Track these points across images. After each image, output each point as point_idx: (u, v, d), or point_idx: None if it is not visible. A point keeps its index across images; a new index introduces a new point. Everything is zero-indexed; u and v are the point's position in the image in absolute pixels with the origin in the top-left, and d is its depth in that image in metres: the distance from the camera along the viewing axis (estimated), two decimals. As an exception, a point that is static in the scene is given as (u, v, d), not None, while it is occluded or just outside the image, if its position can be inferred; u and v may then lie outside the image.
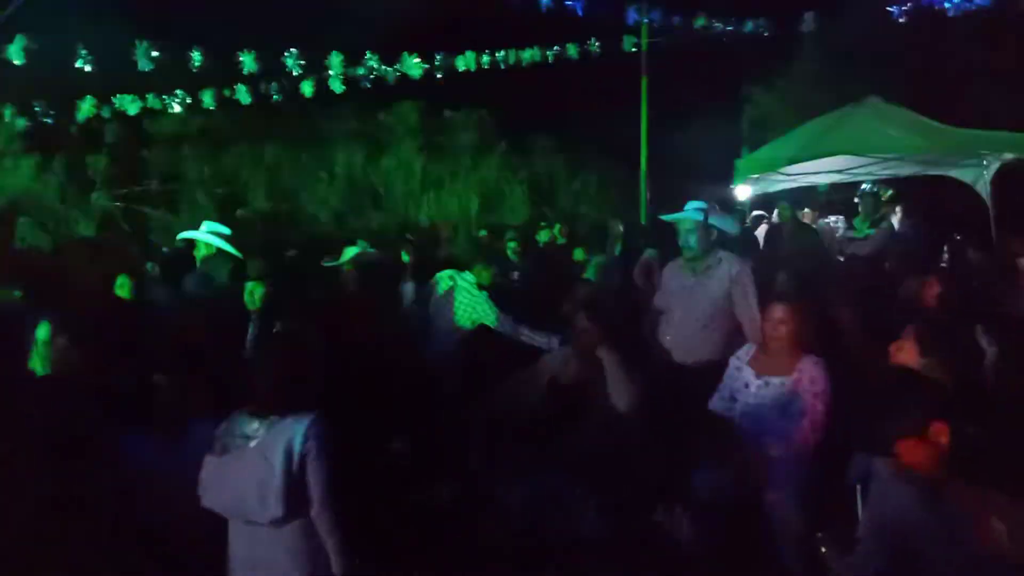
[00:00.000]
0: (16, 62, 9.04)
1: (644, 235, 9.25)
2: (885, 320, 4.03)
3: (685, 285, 4.85)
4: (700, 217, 4.85)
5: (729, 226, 5.21)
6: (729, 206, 10.43)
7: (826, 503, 2.91)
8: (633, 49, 12.76)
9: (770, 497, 3.46)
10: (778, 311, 3.93)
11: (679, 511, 2.96)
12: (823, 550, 2.52)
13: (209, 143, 13.54)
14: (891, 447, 2.29)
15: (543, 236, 9.58)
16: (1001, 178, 9.09)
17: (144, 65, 9.45)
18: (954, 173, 9.60)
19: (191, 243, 6.37)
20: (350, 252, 6.07)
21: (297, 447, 2.76)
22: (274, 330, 4.42)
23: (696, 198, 5.17)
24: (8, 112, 11.14)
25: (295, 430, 2.78)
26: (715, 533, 3.18)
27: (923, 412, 2.29)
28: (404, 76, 11.46)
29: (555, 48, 12.31)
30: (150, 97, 11.00)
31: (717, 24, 12.41)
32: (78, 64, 9.45)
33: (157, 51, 9.46)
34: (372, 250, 6.36)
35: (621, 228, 9.58)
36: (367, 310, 5.31)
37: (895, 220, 9.45)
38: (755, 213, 11.14)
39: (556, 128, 16.38)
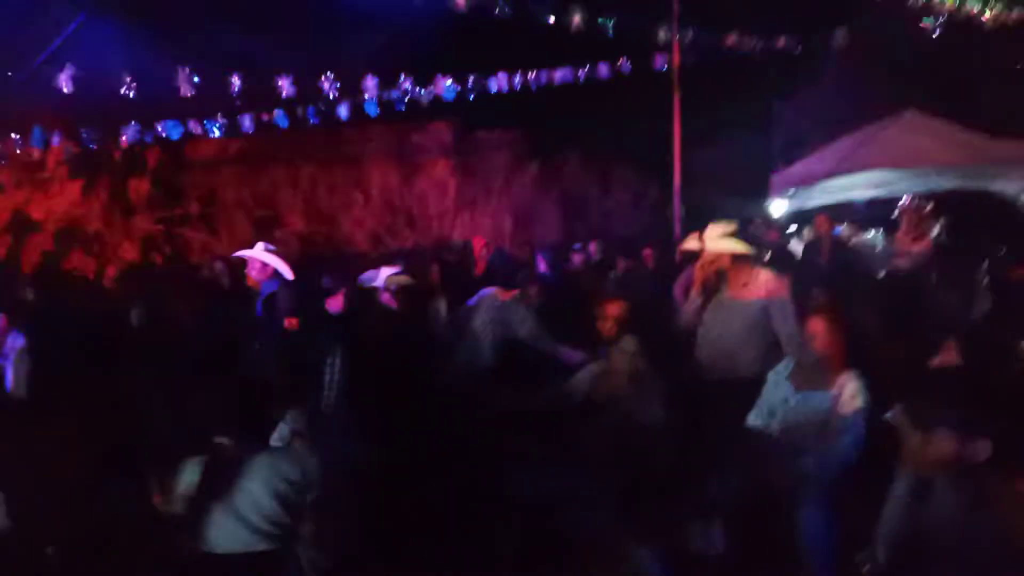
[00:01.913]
0: (64, 90, 9.34)
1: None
2: (925, 335, 3.98)
3: (722, 300, 4.83)
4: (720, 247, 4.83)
5: (764, 243, 5.20)
6: (767, 222, 10.37)
7: (865, 521, 2.86)
8: (664, 67, 12.79)
9: (806, 513, 3.41)
10: (816, 325, 3.90)
11: (712, 523, 2.94)
12: (864, 569, 2.49)
13: (247, 166, 13.78)
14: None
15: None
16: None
17: (185, 90, 9.70)
18: (995, 187, 9.46)
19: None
20: (383, 275, 6.14)
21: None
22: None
23: (731, 214, 5.16)
24: (55, 138, 11.47)
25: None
26: (746, 547, 3.16)
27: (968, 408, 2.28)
28: (437, 97, 11.62)
29: (586, 67, 12.39)
30: (191, 122, 11.27)
31: (748, 40, 12.39)
32: (122, 91, 9.73)
33: (197, 76, 9.71)
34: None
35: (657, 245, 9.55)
36: (399, 329, 5.41)
37: (935, 235, 9.30)
38: (788, 229, 11.05)
39: (588, 146, 16.42)
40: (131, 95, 9.77)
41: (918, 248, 8.19)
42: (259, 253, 6.30)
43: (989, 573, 2.19)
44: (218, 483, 2.81)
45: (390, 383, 3.99)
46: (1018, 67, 13.25)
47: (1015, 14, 11.42)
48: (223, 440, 2.90)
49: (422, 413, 3.82)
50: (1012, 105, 12.07)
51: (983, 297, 5.81)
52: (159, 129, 11.22)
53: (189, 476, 2.87)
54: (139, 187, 13.02)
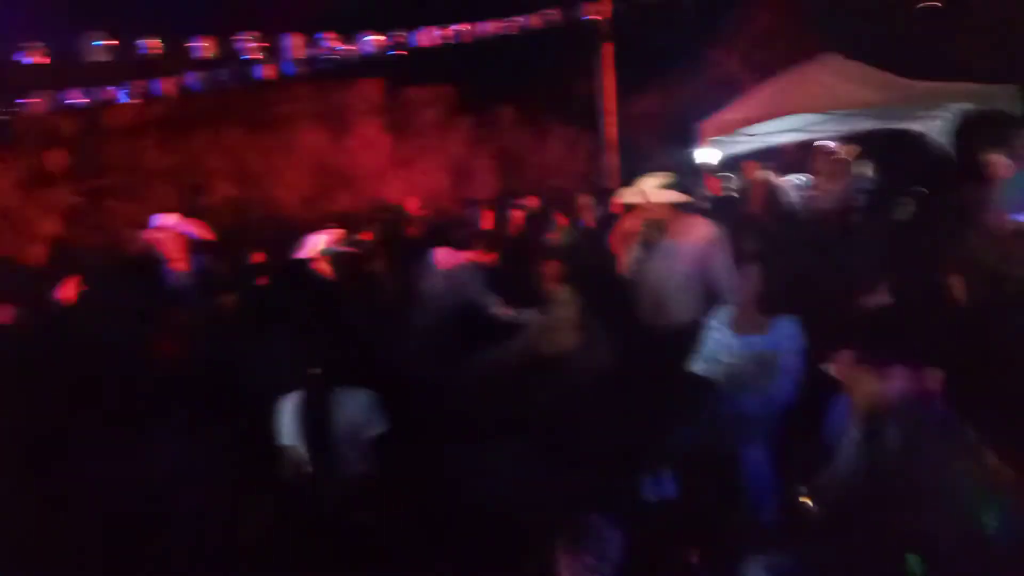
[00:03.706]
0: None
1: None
2: (857, 272, 4.13)
3: (660, 249, 4.91)
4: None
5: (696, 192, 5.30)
6: (698, 170, 10.51)
7: (804, 457, 3.00)
8: (596, 16, 12.72)
9: (749, 454, 3.55)
10: (751, 271, 4.01)
11: (662, 470, 3.04)
12: (803, 500, 2.62)
13: (170, 132, 13.26)
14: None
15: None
16: (963, 129, 9.26)
17: (96, 55, 9.24)
18: (914, 126, 9.76)
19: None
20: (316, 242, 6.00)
21: None
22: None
23: (662, 163, 5.24)
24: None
25: None
26: (696, 490, 3.27)
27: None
28: (364, 54, 11.34)
29: (515, 18, 12.25)
30: (106, 87, 10.76)
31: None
32: (30, 56, 9.23)
33: (108, 41, 9.25)
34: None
35: (591, 199, 9.60)
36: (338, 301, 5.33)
37: (859, 175, 9.59)
38: (722, 175, 11.23)
39: (521, 100, 16.30)
40: (40, 61, 9.26)
41: (835, 187, 8.44)
42: (172, 224, 6.10)
43: (937, 508, 2.32)
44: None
45: (336, 357, 3.95)
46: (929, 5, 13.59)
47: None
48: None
49: (376, 385, 3.80)
50: (929, 45, 12.42)
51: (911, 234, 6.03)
52: (74, 96, 10.69)
53: None
54: (56, 157, 12.42)
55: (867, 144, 10.83)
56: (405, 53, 11.58)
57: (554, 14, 12.51)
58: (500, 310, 5.67)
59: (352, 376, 3.72)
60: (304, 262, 6.00)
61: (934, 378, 2.40)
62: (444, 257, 6.04)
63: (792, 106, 9.12)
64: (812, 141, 10.70)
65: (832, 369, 2.72)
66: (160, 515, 3.31)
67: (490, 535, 3.11)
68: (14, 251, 10.19)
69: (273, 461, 3.62)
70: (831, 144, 10.31)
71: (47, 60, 9.38)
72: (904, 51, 11.44)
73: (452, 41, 11.99)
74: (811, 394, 3.55)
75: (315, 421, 3.55)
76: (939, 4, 12.93)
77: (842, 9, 13.07)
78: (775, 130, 9.95)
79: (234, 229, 11.73)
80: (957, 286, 3.62)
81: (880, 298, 4.10)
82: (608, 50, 12.48)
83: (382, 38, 11.32)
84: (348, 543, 3.25)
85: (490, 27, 12.18)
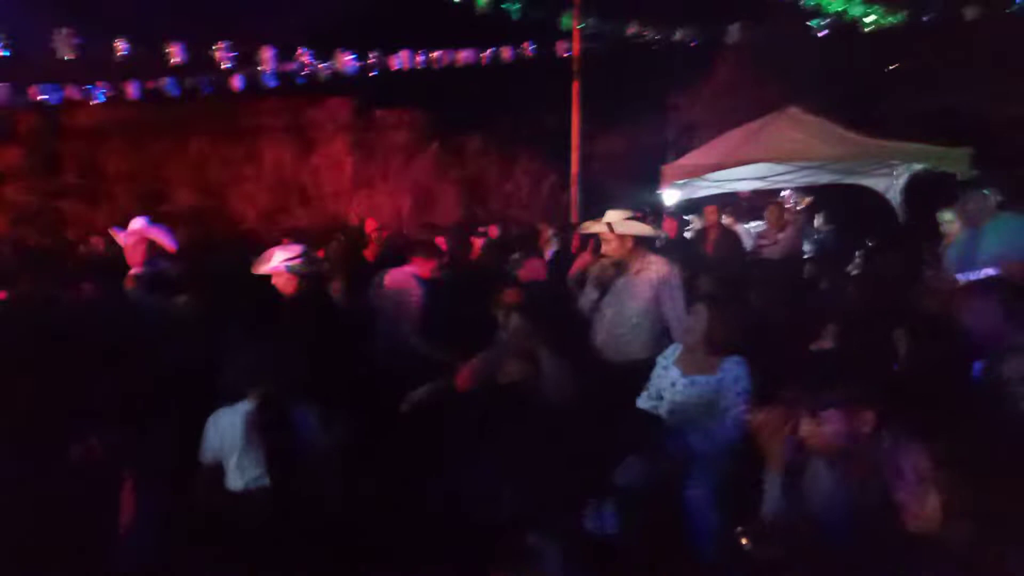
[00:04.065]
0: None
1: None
2: (805, 319, 4.23)
3: (616, 286, 4.99)
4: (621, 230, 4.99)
5: (654, 230, 5.39)
6: (658, 211, 10.71)
7: (746, 498, 3.04)
8: (566, 54, 12.95)
9: (691, 492, 3.59)
10: (702, 312, 4.08)
11: (604, 504, 3.06)
12: (743, 542, 2.65)
13: (132, 136, 13.10)
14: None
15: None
16: (910, 187, 9.61)
17: (65, 53, 9.11)
18: (867, 182, 10.10)
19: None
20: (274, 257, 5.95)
21: None
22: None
23: (624, 202, 5.33)
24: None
25: None
26: (638, 527, 3.29)
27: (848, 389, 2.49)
28: (336, 72, 11.35)
29: (489, 50, 12.40)
30: (71, 87, 10.60)
31: (647, 32, 12.71)
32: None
33: (80, 39, 9.13)
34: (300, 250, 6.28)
35: (552, 231, 9.72)
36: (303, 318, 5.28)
37: (811, 226, 9.87)
38: (683, 218, 11.45)
39: (489, 130, 16.45)
40: (5, 53, 9.09)
41: (782, 236, 8.70)
42: (140, 228, 6.02)
43: (868, 545, 2.38)
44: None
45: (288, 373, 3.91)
46: (892, 68, 14.11)
47: (891, 21, 12.20)
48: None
49: (334, 403, 3.77)
50: (889, 104, 12.88)
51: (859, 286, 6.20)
52: (34, 93, 10.49)
53: None
54: (9, 155, 12.17)
55: (822, 196, 11.17)
56: (376, 74, 11.61)
57: (528, 48, 12.69)
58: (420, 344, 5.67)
59: (304, 392, 3.68)
60: (261, 277, 5.94)
61: (866, 419, 2.49)
62: (394, 279, 6.04)
63: (753, 155, 9.36)
64: (769, 190, 11.05)
65: (752, 418, 2.81)
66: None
67: (434, 554, 3.09)
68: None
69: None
70: (787, 194, 10.63)
71: (13, 52, 9.18)
72: (862, 109, 11.86)
73: (425, 66, 12.07)
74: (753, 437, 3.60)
75: (274, 436, 3.49)
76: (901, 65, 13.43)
77: (805, 66, 13.50)
78: (735, 177, 10.21)
79: (194, 237, 11.61)
80: (900, 338, 3.72)
81: (825, 345, 4.20)
82: (577, 87, 12.67)
83: (355, 58, 11.34)
84: (296, 559, 3.20)
85: (464, 56, 12.30)
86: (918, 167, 9.38)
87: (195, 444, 3.61)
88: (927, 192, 9.21)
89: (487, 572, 2.38)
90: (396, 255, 7.23)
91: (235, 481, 3.52)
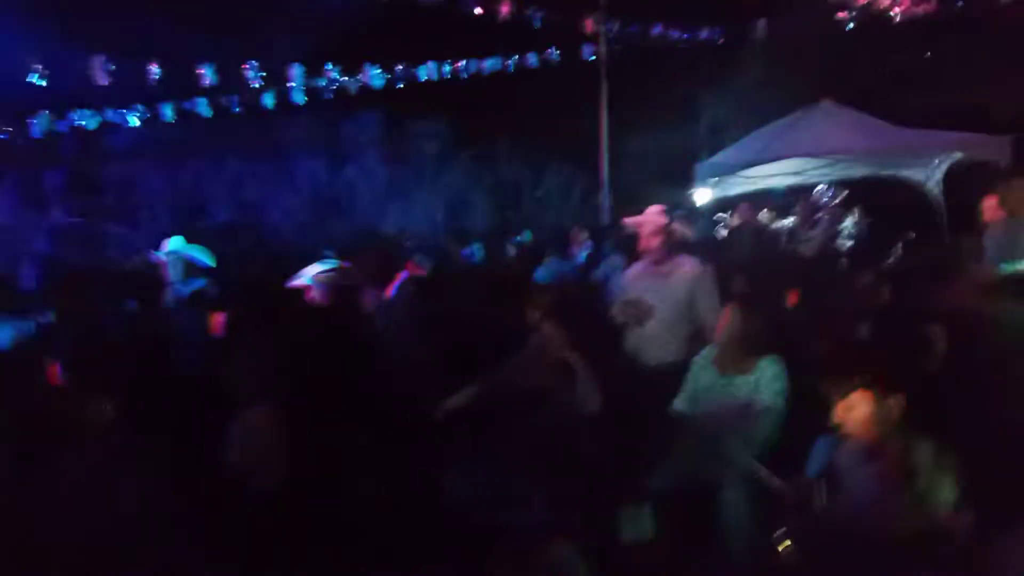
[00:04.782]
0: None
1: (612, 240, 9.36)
2: (839, 315, 4.16)
3: (649, 288, 4.94)
4: (662, 220, 4.97)
5: (688, 230, 5.35)
6: (692, 211, 10.62)
7: (785, 500, 3.00)
8: (592, 57, 12.93)
9: (727, 495, 3.55)
10: (736, 312, 4.03)
11: (639, 508, 3.04)
12: (782, 546, 2.61)
13: (168, 156, 13.37)
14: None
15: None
16: (949, 178, 9.39)
17: (101, 79, 9.35)
18: (905, 174, 9.89)
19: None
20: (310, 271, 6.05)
21: None
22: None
23: (657, 203, 5.29)
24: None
25: None
26: (673, 530, 3.26)
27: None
28: (366, 86, 11.49)
29: (515, 57, 12.44)
30: (109, 111, 10.87)
31: (673, 32, 12.65)
32: (33, 79, 9.33)
33: (115, 64, 9.37)
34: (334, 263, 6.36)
35: (585, 234, 9.68)
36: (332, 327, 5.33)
37: (848, 221, 9.71)
38: (715, 216, 11.34)
39: (519, 136, 16.48)
40: (43, 83, 9.36)
41: (815, 232, 8.58)
42: (182, 248, 6.17)
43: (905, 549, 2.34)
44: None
45: (322, 385, 3.94)
46: (925, 58, 13.84)
47: (921, 10, 11.99)
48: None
49: (357, 414, 3.80)
50: (921, 95, 12.63)
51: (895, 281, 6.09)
52: (74, 118, 10.78)
53: None
54: (52, 178, 12.49)
55: (858, 190, 10.98)
56: (404, 86, 11.72)
57: (554, 53, 12.70)
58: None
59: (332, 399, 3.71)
60: (298, 290, 6.03)
61: (895, 405, 2.47)
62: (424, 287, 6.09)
63: (786, 151, 9.24)
64: (805, 185, 10.89)
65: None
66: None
67: (465, 562, 3.09)
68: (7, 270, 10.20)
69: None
70: (822, 188, 10.46)
71: (51, 81, 9.45)
72: (897, 99, 11.64)
73: (452, 76, 12.15)
74: (792, 435, 3.55)
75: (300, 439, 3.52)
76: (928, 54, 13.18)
77: (835, 59, 13.31)
78: (769, 173, 10.08)
79: (230, 254, 11.79)
80: (937, 334, 3.64)
81: (862, 341, 4.13)
82: (606, 90, 12.64)
83: (383, 71, 11.46)
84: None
85: (491, 63, 12.35)
86: (957, 157, 9.17)
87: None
88: (966, 183, 9.01)
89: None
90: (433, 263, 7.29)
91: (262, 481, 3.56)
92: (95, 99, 10.67)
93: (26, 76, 9.35)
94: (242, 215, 13.95)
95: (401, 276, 6.23)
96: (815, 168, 10.05)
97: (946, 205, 9.30)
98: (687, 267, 4.90)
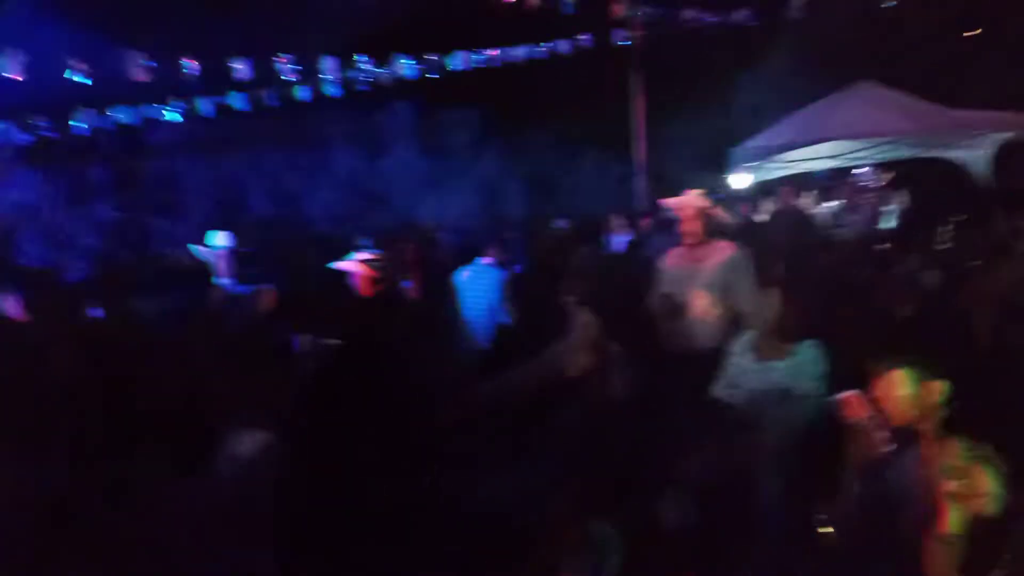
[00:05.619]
0: (10, 75, 9.11)
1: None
2: (881, 299, 4.08)
3: (686, 273, 4.90)
4: (700, 203, 4.92)
5: (726, 215, 5.28)
6: (730, 195, 10.49)
7: (826, 486, 2.95)
8: (625, 43, 12.81)
9: (767, 481, 3.50)
10: (775, 297, 3.97)
11: (681, 495, 3.01)
12: (823, 530, 2.58)
13: (207, 150, 13.58)
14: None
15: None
16: (997, 158, 9.14)
17: (138, 75, 9.52)
18: (951, 155, 9.64)
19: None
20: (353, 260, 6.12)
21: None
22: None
23: (694, 187, 5.24)
24: (5, 126, 11.21)
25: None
26: (715, 517, 3.23)
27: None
28: (399, 77, 11.53)
29: (548, 43, 12.39)
30: (146, 107, 11.08)
31: (705, 14, 12.48)
32: (73, 76, 9.53)
33: (153, 60, 9.53)
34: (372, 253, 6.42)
35: (622, 220, 9.62)
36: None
37: (892, 204, 9.51)
38: (754, 200, 11.18)
39: (553, 124, 16.42)
40: (84, 81, 9.56)
41: (857, 216, 8.42)
42: (225, 240, 6.28)
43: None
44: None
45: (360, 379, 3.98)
46: (967, 36, 13.45)
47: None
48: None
49: (399, 409, 3.82)
50: (963, 75, 12.28)
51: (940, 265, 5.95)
52: (115, 115, 11.00)
53: None
54: (95, 174, 12.76)
55: (902, 172, 10.73)
56: (438, 76, 11.74)
57: (586, 39, 12.60)
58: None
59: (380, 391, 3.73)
60: (341, 274, 6.11)
61: (934, 389, 2.40)
62: (471, 275, 6.11)
63: (828, 133, 9.08)
64: (847, 168, 10.67)
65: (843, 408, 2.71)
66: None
67: (501, 556, 3.09)
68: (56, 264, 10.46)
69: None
70: (864, 171, 10.24)
71: (92, 79, 9.65)
72: (943, 79, 11.34)
73: (486, 65, 12.13)
74: (833, 421, 3.49)
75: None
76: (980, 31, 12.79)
77: (880, 37, 13.00)
78: (810, 156, 9.91)
79: (272, 245, 11.94)
80: (982, 318, 3.55)
81: (907, 326, 4.04)
82: (640, 75, 12.51)
83: (415, 61, 11.50)
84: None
85: (523, 51, 12.31)
86: (1005, 137, 8.92)
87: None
88: (1015, 163, 8.76)
89: (557, 564, 2.37)
90: (468, 252, 7.30)
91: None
92: (134, 95, 10.87)
93: (65, 73, 9.54)
94: (281, 208, 14.13)
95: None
96: (856, 151, 9.84)
97: (995, 186, 9.06)
98: (725, 252, 4.85)
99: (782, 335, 3.91)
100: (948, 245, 7.70)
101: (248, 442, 3.32)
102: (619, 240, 9.03)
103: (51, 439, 3.39)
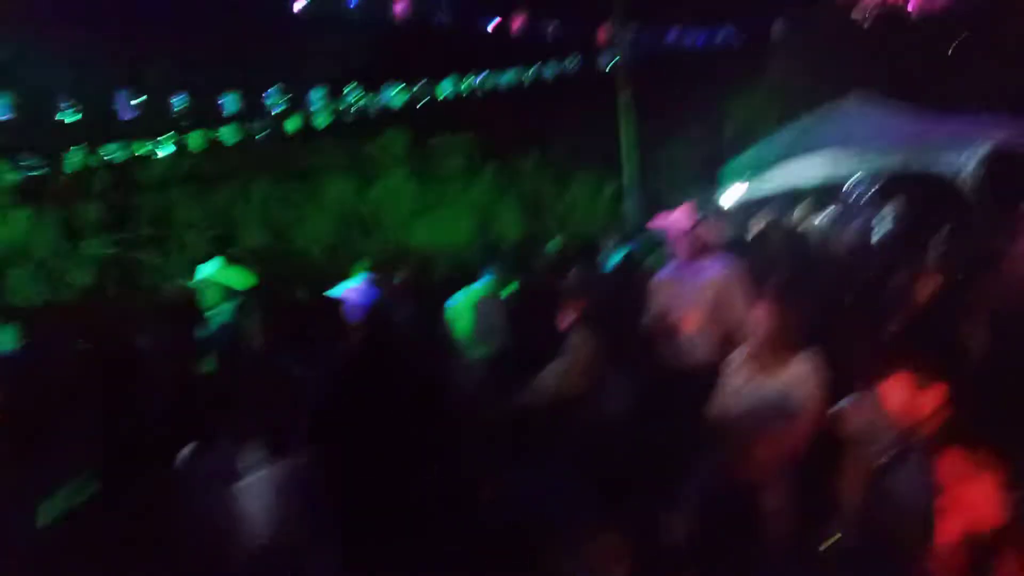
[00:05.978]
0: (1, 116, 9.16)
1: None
2: (872, 312, 4.07)
3: (679, 290, 4.90)
4: (690, 221, 4.93)
5: (717, 231, 5.29)
6: (721, 212, 10.52)
7: (823, 500, 2.93)
8: (613, 63, 12.92)
9: (766, 496, 3.47)
10: (767, 312, 3.97)
11: (677, 511, 2.99)
12: (826, 540, 2.56)
13: (197, 185, 13.58)
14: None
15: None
16: (988, 165, 9.17)
17: (127, 113, 9.57)
18: (942, 162, 9.66)
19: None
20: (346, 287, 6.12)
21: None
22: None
23: (685, 205, 5.26)
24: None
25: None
26: (711, 532, 3.20)
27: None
28: (387, 106, 11.61)
29: (533, 68, 12.50)
30: (136, 144, 11.12)
31: (691, 35, 12.62)
32: (63, 116, 9.57)
33: (139, 97, 9.58)
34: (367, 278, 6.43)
35: (613, 240, 9.64)
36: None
37: (885, 215, 9.54)
38: (745, 215, 11.22)
39: (542, 147, 16.51)
40: (71, 119, 9.61)
41: (847, 229, 8.42)
42: (216, 273, 6.25)
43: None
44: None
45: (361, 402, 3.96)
46: (951, 47, 13.58)
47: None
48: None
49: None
50: (948, 85, 12.39)
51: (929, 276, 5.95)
52: (104, 152, 11.04)
53: None
54: (87, 211, 12.74)
55: (892, 182, 10.77)
56: (426, 104, 11.81)
57: (575, 62, 12.72)
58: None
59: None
60: (336, 303, 6.09)
61: (934, 395, 2.39)
62: (466, 299, 6.10)
63: (815, 146, 9.13)
64: (836, 181, 10.72)
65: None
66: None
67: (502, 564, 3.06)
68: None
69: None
70: (855, 183, 10.28)
71: (80, 117, 9.69)
72: (934, 88, 11.42)
73: (475, 90, 12.22)
74: (831, 432, 3.48)
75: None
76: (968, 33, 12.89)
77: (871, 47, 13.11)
78: (799, 170, 9.95)
79: (264, 276, 11.91)
80: (973, 330, 3.55)
81: (901, 336, 4.02)
82: (627, 96, 12.61)
83: (406, 90, 11.58)
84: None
85: (512, 76, 12.41)
86: (994, 144, 8.96)
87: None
88: (1007, 170, 8.80)
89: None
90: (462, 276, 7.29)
91: None
92: (124, 131, 10.91)
93: (57, 113, 9.59)
94: (272, 239, 14.12)
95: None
96: (846, 162, 9.89)
97: (985, 194, 9.08)
98: (717, 267, 4.85)
99: (776, 349, 3.90)
100: (940, 254, 7.71)
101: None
102: (612, 260, 9.03)
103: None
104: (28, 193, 12.06)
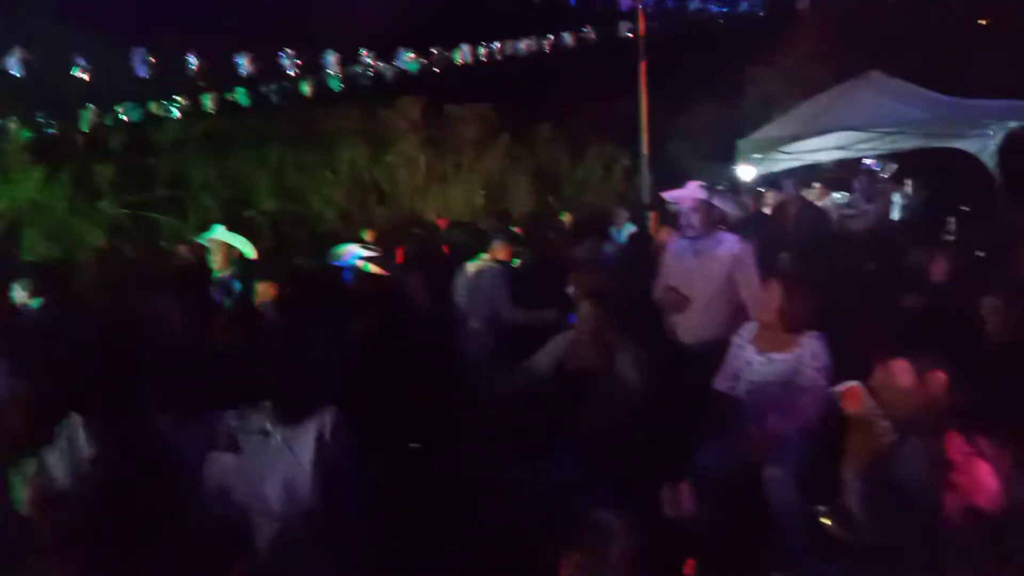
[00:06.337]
0: (15, 73, 9.12)
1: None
2: (889, 291, 4.05)
3: (688, 265, 4.87)
4: (702, 195, 4.88)
5: (729, 206, 5.24)
6: (735, 187, 10.44)
7: (828, 477, 2.92)
8: (629, 35, 12.74)
9: (771, 472, 3.47)
10: (778, 288, 3.94)
11: (683, 488, 2.99)
12: (825, 521, 2.56)
13: (213, 147, 13.55)
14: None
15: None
16: (1006, 148, 9.03)
17: (142, 71, 9.53)
18: (959, 145, 9.53)
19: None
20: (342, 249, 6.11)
21: (325, 441, 2.88)
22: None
23: (700, 179, 5.21)
24: (11, 124, 11.23)
25: (321, 424, 2.89)
26: (718, 509, 3.21)
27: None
28: (404, 72, 11.51)
29: (551, 37, 12.34)
30: (151, 103, 11.08)
31: (712, 5, 12.41)
32: (77, 73, 9.54)
33: (154, 57, 9.54)
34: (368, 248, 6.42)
35: (626, 214, 9.60)
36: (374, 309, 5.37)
37: (899, 195, 9.43)
38: (758, 192, 11.13)
39: (558, 118, 16.36)
40: (86, 77, 9.58)
41: (871, 207, 8.32)
42: (224, 235, 6.24)
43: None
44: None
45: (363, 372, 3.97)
46: (979, 24, 13.33)
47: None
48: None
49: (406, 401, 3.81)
50: (973, 64, 12.17)
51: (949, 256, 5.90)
52: (119, 112, 11.02)
53: None
54: (103, 171, 12.76)
55: (909, 162, 10.65)
56: (442, 71, 11.71)
57: (591, 32, 12.55)
58: (518, 314, 5.69)
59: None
60: (338, 270, 6.10)
61: (937, 380, 2.36)
62: (476, 270, 6.07)
63: (834, 124, 9.00)
64: (853, 159, 10.60)
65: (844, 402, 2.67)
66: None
67: (504, 545, 3.08)
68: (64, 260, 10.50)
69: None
70: (871, 162, 10.16)
71: (95, 76, 9.66)
72: (949, 69, 11.24)
73: (490, 59, 12.09)
74: (836, 412, 3.46)
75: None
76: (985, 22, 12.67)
77: (886, 28, 12.89)
78: (816, 148, 9.83)
79: (275, 240, 11.95)
80: (991, 310, 3.51)
81: (911, 317, 4.01)
82: (645, 68, 12.45)
83: (421, 56, 11.47)
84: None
85: (527, 44, 12.26)
86: (1013, 125, 8.81)
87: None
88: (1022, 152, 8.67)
89: (560, 552, 2.36)
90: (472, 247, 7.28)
91: None
92: (138, 92, 10.88)
93: (70, 71, 9.56)
94: (286, 203, 14.13)
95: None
96: (863, 142, 9.76)
97: (1003, 176, 8.96)
98: (727, 244, 4.81)
99: (785, 327, 3.88)
100: (956, 234, 7.65)
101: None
102: (623, 233, 9.00)
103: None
104: (43, 153, 12.09)
